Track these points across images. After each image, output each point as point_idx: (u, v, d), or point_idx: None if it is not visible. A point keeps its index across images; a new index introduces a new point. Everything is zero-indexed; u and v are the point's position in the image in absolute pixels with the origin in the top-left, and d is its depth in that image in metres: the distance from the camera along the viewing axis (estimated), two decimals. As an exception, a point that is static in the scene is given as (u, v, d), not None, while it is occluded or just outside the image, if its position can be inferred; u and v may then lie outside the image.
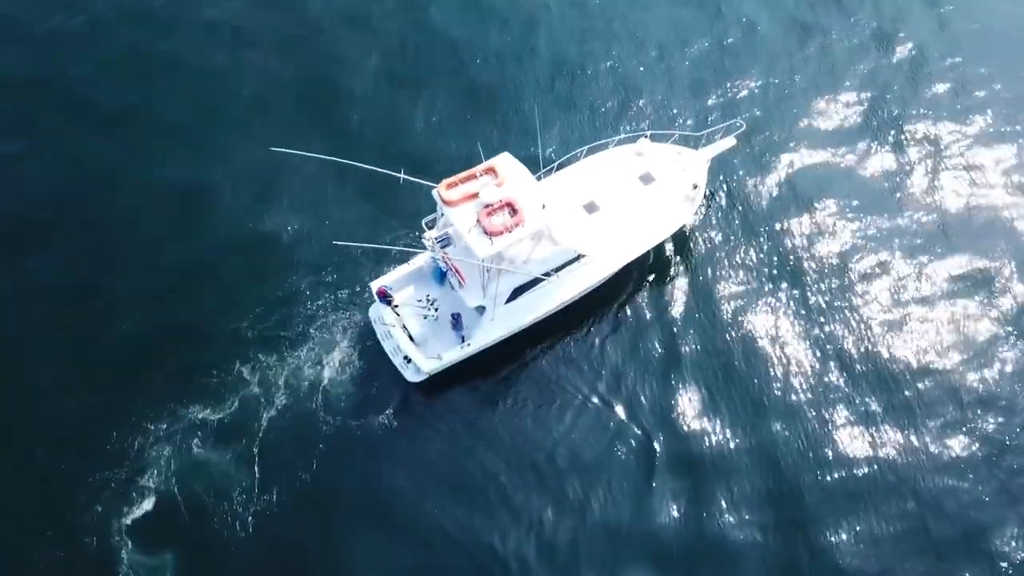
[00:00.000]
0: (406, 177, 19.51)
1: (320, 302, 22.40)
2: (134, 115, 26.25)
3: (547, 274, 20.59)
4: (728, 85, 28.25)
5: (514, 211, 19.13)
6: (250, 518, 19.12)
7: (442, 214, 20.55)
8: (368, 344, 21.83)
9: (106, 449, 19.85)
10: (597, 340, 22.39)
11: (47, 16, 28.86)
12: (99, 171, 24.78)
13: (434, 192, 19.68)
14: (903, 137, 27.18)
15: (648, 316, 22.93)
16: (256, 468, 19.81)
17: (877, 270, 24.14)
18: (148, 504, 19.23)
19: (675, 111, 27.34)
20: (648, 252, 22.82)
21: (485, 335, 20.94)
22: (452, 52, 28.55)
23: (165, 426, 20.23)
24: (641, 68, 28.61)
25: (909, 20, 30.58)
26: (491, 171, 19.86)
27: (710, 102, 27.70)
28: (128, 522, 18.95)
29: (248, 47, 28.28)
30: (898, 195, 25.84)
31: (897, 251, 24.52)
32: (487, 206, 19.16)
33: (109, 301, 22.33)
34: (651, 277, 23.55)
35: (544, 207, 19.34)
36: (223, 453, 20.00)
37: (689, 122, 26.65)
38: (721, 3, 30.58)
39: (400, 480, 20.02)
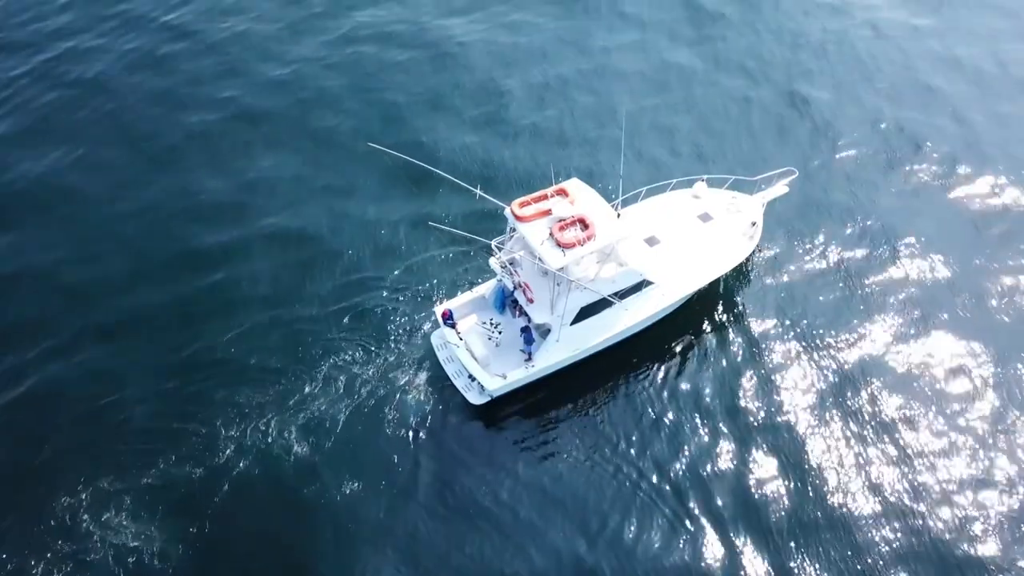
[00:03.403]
0: (481, 194, 20.24)
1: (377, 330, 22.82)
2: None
3: (613, 296, 20.79)
4: (783, 132, 29.46)
5: (585, 226, 19.63)
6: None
7: (512, 233, 21.09)
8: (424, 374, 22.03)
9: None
10: (654, 395, 21.80)
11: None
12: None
13: (507, 211, 20.28)
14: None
15: (706, 379, 22.19)
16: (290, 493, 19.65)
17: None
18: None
19: (730, 157, 28.30)
20: (706, 291, 22.88)
21: (549, 356, 20.93)
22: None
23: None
24: (696, 116, 30.07)
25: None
26: (562, 192, 20.53)
27: (765, 149, 28.73)
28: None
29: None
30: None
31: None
32: (560, 221, 19.70)
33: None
34: (708, 330, 23.24)
35: (619, 215, 19.83)
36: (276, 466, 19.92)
37: (743, 168, 27.24)
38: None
39: (428, 515, 19.53)
